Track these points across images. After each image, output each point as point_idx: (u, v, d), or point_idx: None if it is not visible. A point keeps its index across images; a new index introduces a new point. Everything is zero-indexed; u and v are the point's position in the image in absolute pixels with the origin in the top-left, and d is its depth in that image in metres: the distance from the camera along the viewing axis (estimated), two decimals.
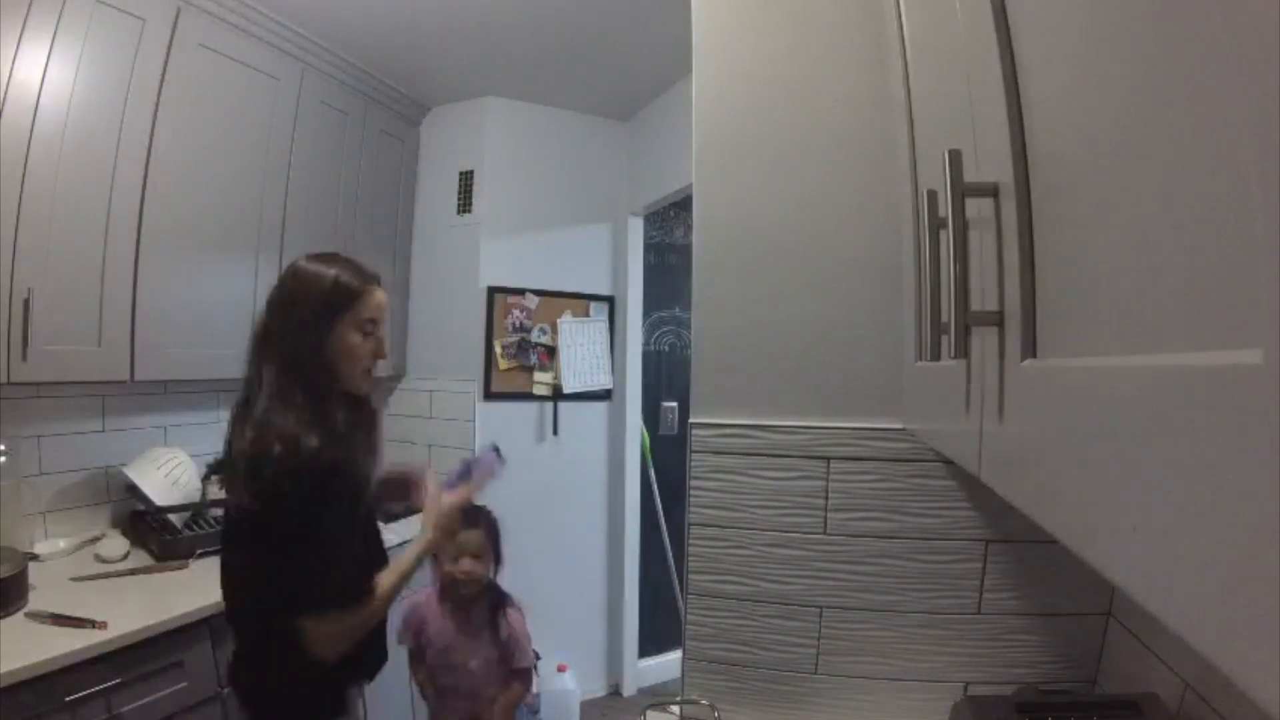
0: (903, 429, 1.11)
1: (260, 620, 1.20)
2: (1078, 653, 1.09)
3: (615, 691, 3.13)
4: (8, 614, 1.40)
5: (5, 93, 1.50)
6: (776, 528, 1.18)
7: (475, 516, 1.81)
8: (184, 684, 1.48)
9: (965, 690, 1.12)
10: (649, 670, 3.20)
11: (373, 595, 1.22)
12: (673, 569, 3.16)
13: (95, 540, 1.88)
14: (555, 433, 2.96)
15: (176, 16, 1.84)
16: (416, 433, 2.91)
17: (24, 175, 1.53)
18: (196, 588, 1.61)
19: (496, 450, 1.51)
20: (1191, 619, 0.28)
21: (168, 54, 1.82)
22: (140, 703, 1.40)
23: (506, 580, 1.82)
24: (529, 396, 2.91)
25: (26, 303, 1.53)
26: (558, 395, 2.94)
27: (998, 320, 0.52)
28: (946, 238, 0.56)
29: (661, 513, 3.20)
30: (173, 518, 1.90)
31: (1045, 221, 0.46)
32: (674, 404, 3.33)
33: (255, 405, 1.15)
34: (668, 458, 3.19)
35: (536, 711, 2.51)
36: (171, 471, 1.95)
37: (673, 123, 2.71)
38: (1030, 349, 0.47)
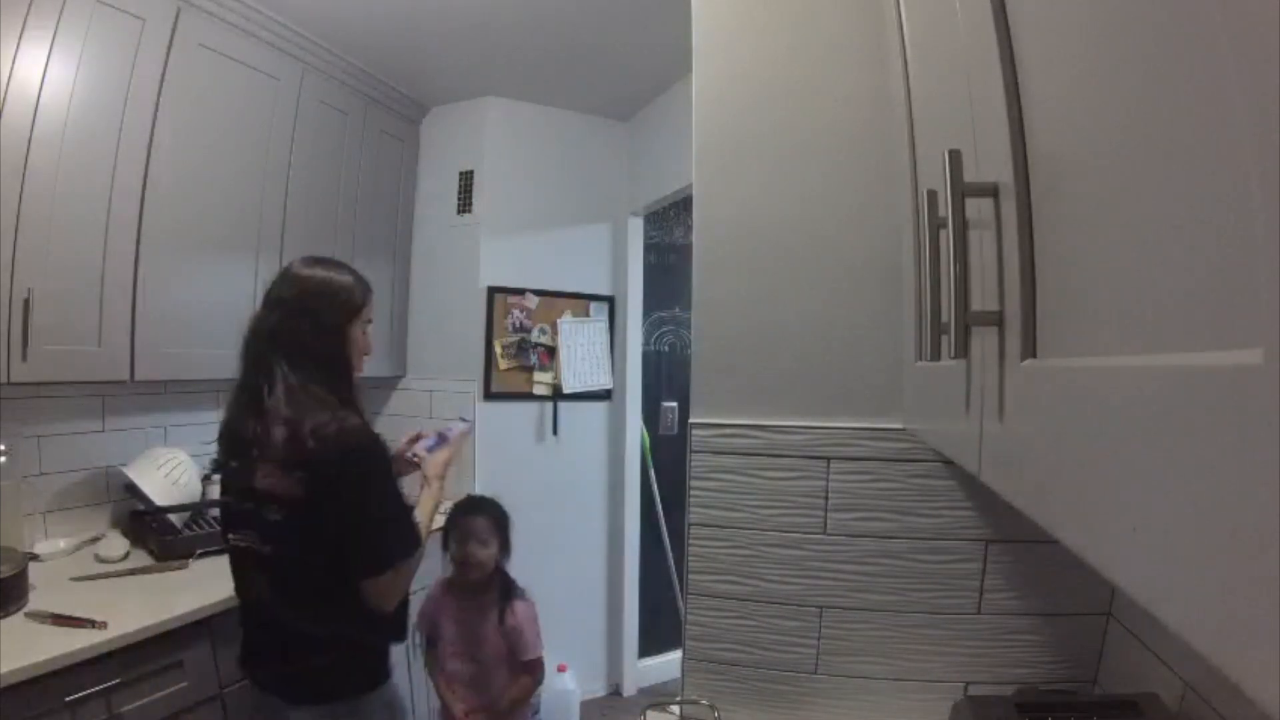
0: (903, 429, 1.11)
1: (331, 591, 1.24)
2: (1078, 653, 1.09)
3: (615, 691, 3.13)
4: (8, 614, 1.40)
5: (5, 93, 1.50)
6: (776, 528, 1.18)
7: (482, 504, 1.84)
8: (184, 684, 1.48)
9: (965, 690, 1.12)
10: (649, 670, 3.20)
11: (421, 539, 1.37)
12: (673, 569, 3.16)
13: (95, 540, 1.88)
14: (555, 433, 2.96)
15: (176, 16, 1.84)
16: None
17: (24, 175, 1.53)
18: (196, 587, 1.61)
19: (463, 419, 1.69)
20: (1191, 619, 0.28)
21: (168, 54, 1.82)
22: (140, 703, 1.40)
23: None
24: (529, 396, 2.91)
25: (26, 303, 1.53)
26: (558, 395, 2.94)
27: (998, 320, 0.52)
28: (946, 238, 0.56)
29: (661, 513, 3.20)
30: (173, 518, 1.90)
31: (1045, 221, 0.46)
32: (674, 404, 3.32)
33: (270, 400, 1.21)
34: (668, 458, 3.19)
35: (536, 711, 2.51)
36: (171, 471, 1.95)
37: (673, 123, 2.71)
38: (1030, 349, 0.47)
